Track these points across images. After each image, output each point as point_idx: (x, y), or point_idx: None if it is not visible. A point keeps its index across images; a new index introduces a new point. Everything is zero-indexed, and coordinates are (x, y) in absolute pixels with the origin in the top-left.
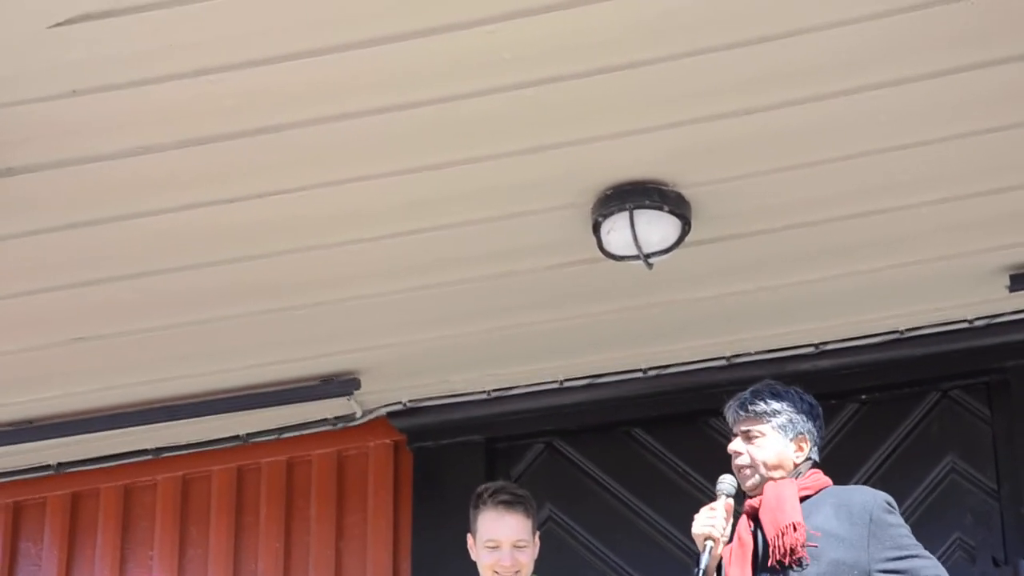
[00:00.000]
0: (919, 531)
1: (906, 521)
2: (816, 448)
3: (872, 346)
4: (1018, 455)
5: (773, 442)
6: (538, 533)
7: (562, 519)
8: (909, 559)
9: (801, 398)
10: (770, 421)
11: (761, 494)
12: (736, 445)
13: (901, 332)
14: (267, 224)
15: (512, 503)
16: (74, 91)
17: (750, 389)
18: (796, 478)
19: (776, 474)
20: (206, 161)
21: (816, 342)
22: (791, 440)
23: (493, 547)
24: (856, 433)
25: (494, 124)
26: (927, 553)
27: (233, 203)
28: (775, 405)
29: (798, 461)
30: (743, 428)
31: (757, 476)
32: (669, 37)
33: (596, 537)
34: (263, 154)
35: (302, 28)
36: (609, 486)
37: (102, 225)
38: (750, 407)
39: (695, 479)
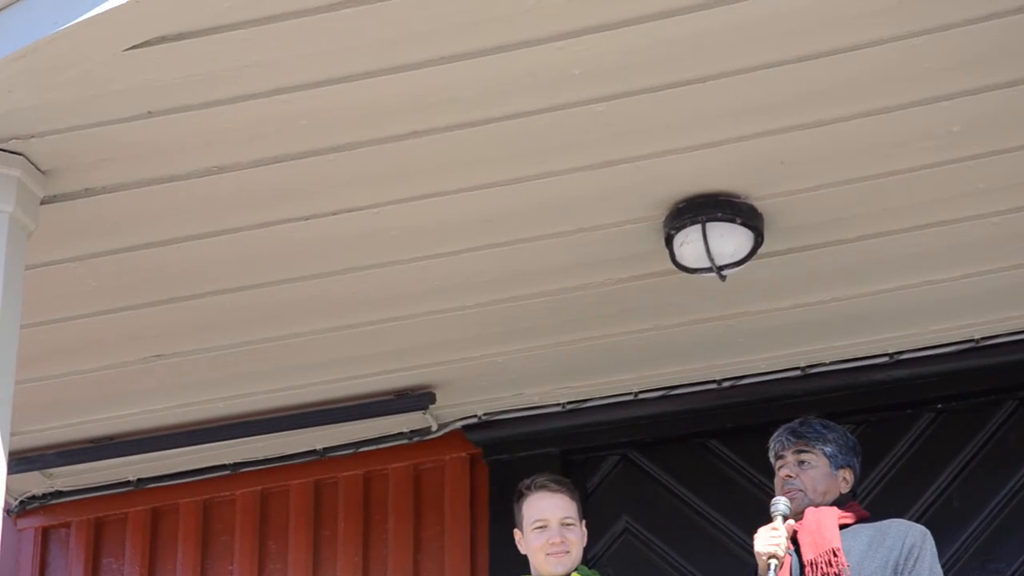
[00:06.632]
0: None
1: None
2: (856, 483)
3: (947, 355)
4: None
5: (823, 468)
6: (584, 522)
7: (638, 530)
8: None
9: (845, 434)
10: (821, 448)
11: (801, 518)
12: (788, 469)
13: (976, 341)
14: (341, 241)
15: (555, 486)
16: (149, 112)
17: (797, 420)
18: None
19: (822, 500)
20: (280, 180)
21: (891, 352)
22: (837, 470)
23: (541, 527)
24: (932, 443)
25: (565, 139)
26: None
27: (308, 220)
28: (826, 434)
29: (843, 491)
30: (795, 452)
31: (806, 500)
32: (739, 50)
33: (672, 548)
34: (336, 172)
35: (372, 48)
36: (685, 497)
37: (178, 244)
38: (803, 433)
39: (771, 489)
